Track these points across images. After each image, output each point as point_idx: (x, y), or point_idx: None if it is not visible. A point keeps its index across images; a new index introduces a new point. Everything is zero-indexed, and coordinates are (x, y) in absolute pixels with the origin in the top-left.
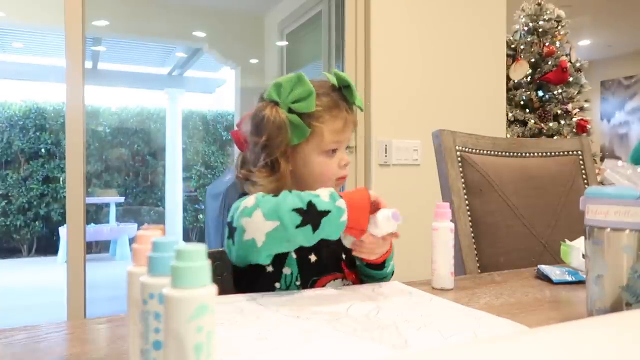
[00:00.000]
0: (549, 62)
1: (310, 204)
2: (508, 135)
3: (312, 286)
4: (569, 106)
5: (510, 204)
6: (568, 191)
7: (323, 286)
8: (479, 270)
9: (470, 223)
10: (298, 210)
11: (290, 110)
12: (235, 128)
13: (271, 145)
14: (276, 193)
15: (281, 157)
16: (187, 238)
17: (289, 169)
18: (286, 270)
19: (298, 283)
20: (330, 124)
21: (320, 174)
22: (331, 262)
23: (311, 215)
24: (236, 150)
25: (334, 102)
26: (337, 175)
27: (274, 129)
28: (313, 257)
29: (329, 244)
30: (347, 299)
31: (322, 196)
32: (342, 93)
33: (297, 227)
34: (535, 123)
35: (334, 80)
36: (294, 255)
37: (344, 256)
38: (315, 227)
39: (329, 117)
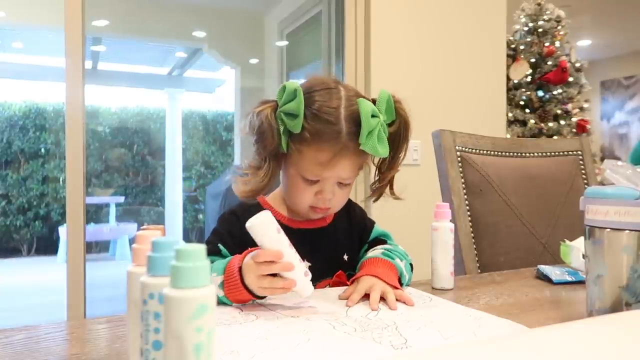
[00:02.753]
0: (549, 62)
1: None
2: (508, 135)
3: None
4: (569, 106)
5: (510, 204)
6: (568, 191)
7: None
8: (479, 270)
9: (470, 223)
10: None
11: (283, 120)
12: None
13: (257, 145)
14: (252, 194)
15: (271, 159)
16: (187, 238)
17: (270, 176)
18: None
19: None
20: (312, 153)
21: (293, 196)
22: (329, 267)
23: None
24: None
25: (328, 132)
26: (312, 204)
27: (261, 130)
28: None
29: (322, 248)
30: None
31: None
32: (353, 126)
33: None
34: (535, 123)
35: (348, 110)
36: None
37: (346, 257)
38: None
39: (313, 145)
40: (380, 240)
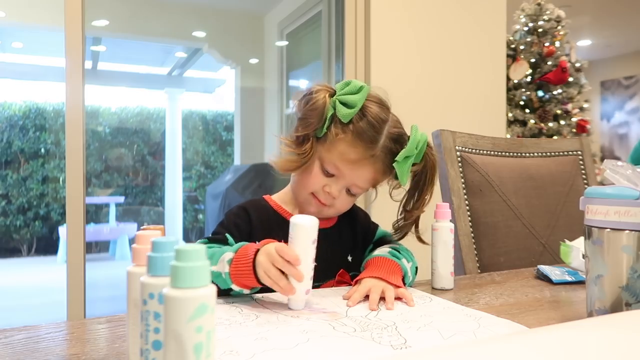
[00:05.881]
0: (549, 62)
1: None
2: (508, 135)
3: None
4: (569, 106)
5: (510, 204)
6: (568, 191)
7: None
8: (479, 270)
9: (470, 223)
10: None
11: (335, 107)
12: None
13: (301, 122)
14: (289, 169)
15: (312, 137)
16: (187, 238)
17: (312, 154)
18: None
19: None
20: (345, 146)
21: (301, 179)
22: (334, 267)
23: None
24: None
25: (368, 135)
26: (314, 191)
27: (310, 108)
28: None
29: (326, 249)
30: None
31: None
32: (390, 143)
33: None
34: (535, 123)
35: (392, 129)
36: None
37: (350, 258)
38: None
39: (350, 139)
40: (386, 240)
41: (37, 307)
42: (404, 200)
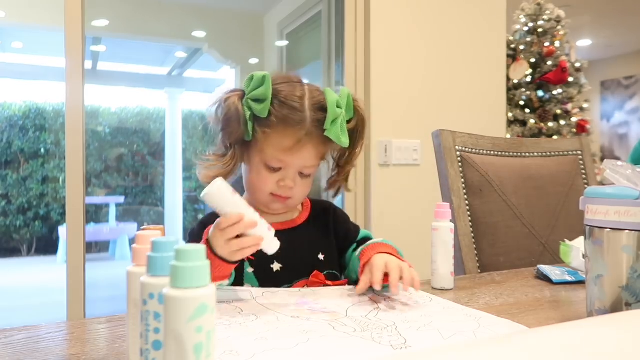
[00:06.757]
0: (549, 62)
1: None
2: (508, 135)
3: None
4: (569, 106)
5: (510, 204)
6: (568, 191)
7: None
8: (479, 270)
9: (470, 223)
10: None
11: (250, 107)
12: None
13: (223, 133)
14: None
15: (236, 146)
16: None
17: (235, 161)
18: (247, 287)
19: None
20: (276, 139)
21: (254, 184)
22: (304, 266)
23: None
24: None
25: (293, 118)
26: (273, 192)
27: (226, 118)
28: (276, 266)
29: (296, 248)
30: (347, 299)
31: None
32: (317, 114)
33: None
34: (535, 123)
35: (312, 100)
36: (249, 270)
37: (321, 257)
38: None
39: (278, 130)
40: (369, 240)
41: (37, 307)
42: (337, 157)
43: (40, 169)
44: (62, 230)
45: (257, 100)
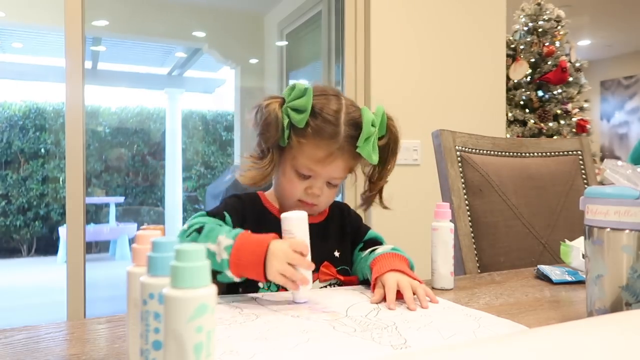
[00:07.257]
0: (549, 62)
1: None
2: (508, 135)
3: None
4: (569, 106)
5: (510, 204)
6: (568, 191)
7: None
8: (479, 270)
9: (470, 223)
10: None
11: (288, 115)
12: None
13: (261, 137)
14: (256, 183)
15: (274, 150)
16: None
17: (273, 165)
18: (260, 284)
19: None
20: (310, 149)
21: (284, 189)
22: (321, 262)
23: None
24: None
25: (327, 131)
26: (300, 199)
27: (265, 122)
28: None
29: (314, 244)
30: (347, 299)
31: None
32: (351, 130)
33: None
34: (535, 123)
35: (348, 115)
36: None
37: (337, 254)
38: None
39: (313, 142)
40: (378, 242)
41: (37, 307)
42: (369, 173)
43: (40, 169)
44: (62, 231)
45: (297, 110)
